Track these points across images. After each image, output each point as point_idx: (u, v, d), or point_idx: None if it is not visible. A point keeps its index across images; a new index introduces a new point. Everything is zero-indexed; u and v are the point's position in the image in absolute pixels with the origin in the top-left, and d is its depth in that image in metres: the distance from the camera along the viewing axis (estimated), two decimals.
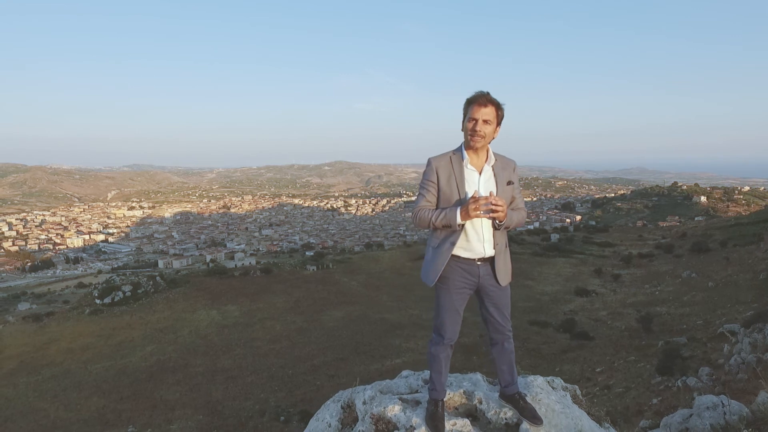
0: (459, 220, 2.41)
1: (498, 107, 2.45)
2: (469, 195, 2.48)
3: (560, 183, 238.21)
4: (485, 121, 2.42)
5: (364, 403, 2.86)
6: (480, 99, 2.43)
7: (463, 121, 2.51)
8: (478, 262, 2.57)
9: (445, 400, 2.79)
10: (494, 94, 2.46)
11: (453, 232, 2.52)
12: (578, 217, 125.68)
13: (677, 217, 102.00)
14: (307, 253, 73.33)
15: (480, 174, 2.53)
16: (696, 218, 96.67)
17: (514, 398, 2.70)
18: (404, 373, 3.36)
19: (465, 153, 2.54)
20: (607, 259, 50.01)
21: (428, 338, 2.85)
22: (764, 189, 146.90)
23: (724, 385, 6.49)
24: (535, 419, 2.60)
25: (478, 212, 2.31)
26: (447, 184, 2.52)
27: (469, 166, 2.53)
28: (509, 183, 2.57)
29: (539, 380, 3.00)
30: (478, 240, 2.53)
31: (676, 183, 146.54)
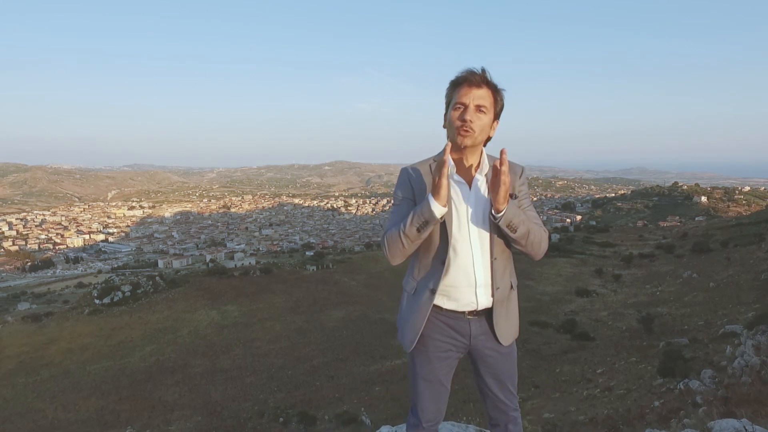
0: (434, 204, 1.61)
1: (496, 91, 1.71)
2: (458, 213, 1.75)
3: (560, 183, 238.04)
4: (478, 108, 1.68)
5: None
6: (471, 78, 1.68)
7: (446, 112, 1.75)
8: (469, 316, 1.82)
9: None
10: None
11: (433, 272, 1.78)
12: (579, 217, 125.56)
13: (678, 217, 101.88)
14: (307, 252, 73.25)
15: (470, 187, 1.77)
16: (697, 218, 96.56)
17: None
18: (384, 429, 2.79)
19: (450, 158, 1.69)
20: (608, 259, 49.92)
21: None
22: (765, 189, 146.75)
23: (727, 388, 6.40)
24: None
25: (445, 173, 1.59)
26: None
27: (455, 176, 1.76)
28: (513, 197, 1.74)
29: None
30: (467, 283, 1.77)
31: (676, 183, 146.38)
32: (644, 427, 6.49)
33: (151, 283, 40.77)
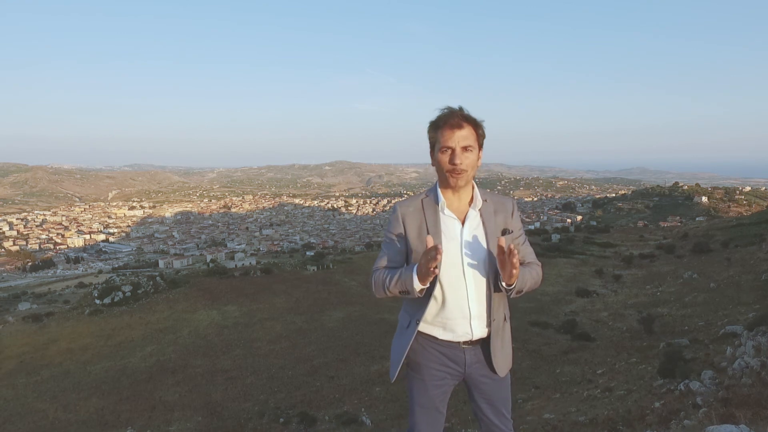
0: (416, 284, 1.68)
1: (477, 125, 1.76)
2: (451, 249, 1.79)
3: (561, 183, 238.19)
4: (465, 148, 1.72)
5: None
6: (451, 119, 1.72)
7: (432, 153, 1.79)
8: (464, 346, 1.88)
9: None
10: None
11: (420, 306, 1.84)
12: (579, 217, 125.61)
13: (678, 218, 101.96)
14: (307, 253, 73.33)
15: (463, 223, 1.81)
16: (697, 218, 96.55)
17: None
18: None
19: (440, 194, 1.81)
20: (608, 260, 49.92)
21: None
22: (765, 189, 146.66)
23: (727, 390, 6.41)
24: None
25: (435, 268, 1.60)
26: (418, 238, 1.80)
27: (446, 211, 1.81)
28: (505, 232, 1.82)
29: None
30: (461, 316, 1.82)
31: (677, 183, 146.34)
32: (644, 429, 6.50)
33: (151, 283, 40.78)
